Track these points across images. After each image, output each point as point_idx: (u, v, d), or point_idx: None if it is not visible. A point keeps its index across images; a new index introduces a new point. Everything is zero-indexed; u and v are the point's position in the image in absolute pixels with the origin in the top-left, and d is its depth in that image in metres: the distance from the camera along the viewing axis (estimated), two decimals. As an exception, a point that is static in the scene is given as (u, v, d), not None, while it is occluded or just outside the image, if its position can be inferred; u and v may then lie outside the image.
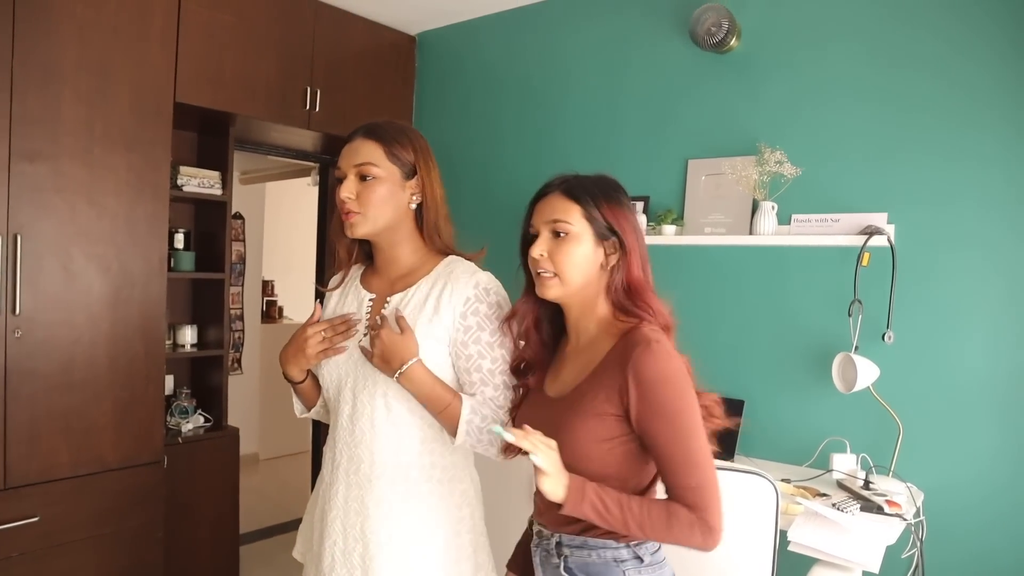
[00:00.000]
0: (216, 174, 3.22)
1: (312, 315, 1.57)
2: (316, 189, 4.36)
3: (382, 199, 1.46)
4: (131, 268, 2.75)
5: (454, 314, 1.45)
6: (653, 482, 1.34)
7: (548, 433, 1.25)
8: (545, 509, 1.36)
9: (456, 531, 1.51)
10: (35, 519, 2.49)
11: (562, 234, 1.30)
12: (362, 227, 1.47)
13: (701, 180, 2.79)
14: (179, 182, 3.08)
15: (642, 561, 1.30)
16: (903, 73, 2.39)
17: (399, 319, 1.44)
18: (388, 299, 1.52)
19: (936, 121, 2.34)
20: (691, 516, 1.20)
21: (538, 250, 1.31)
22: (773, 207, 2.54)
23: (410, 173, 1.49)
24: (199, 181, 3.17)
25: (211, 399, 3.34)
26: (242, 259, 5.16)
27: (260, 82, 3.15)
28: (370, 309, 1.54)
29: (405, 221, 1.51)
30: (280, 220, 5.70)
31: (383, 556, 1.45)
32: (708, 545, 1.21)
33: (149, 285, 2.81)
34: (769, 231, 2.54)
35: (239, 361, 5.22)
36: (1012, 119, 2.22)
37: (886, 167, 2.42)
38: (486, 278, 1.50)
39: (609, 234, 1.31)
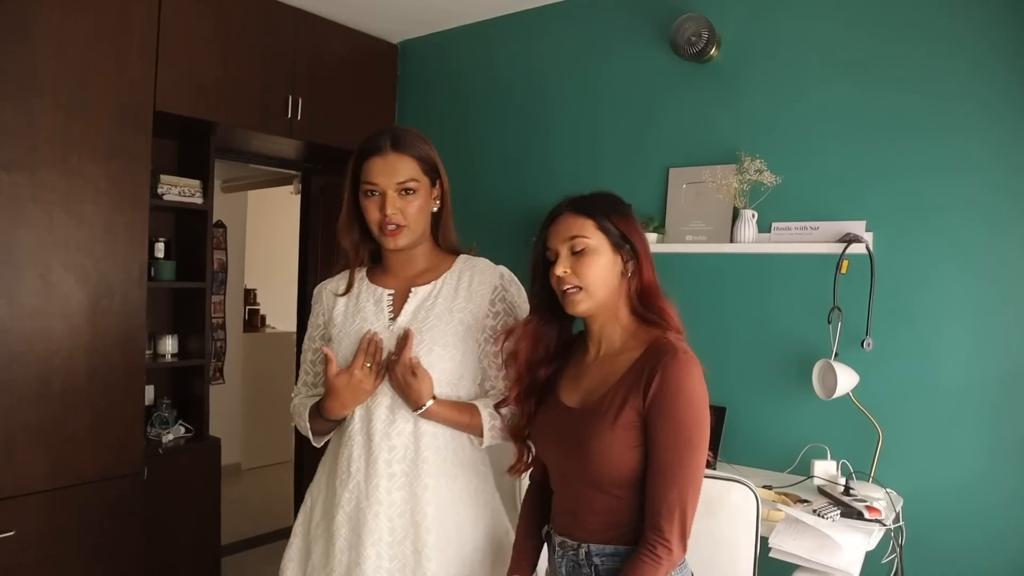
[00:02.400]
0: (197, 183, 3.20)
1: (330, 363, 1.50)
2: (299, 197, 4.34)
3: (420, 210, 1.53)
4: (110, 278, 2.73)
5: (483, 301, 1.56)
6: None
7: (574, 444, 1.32)
8: (572, 522, 1.38)
9: (494, 508, 1.62)
10: (10, 533, 2.45)
11: (580, 249, 1.34)
12: (405, 239, 1.53)
13: (682, 188, 2.81)
14: (159, 191, 3.06)
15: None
16: (881, 83, 2.42)
17: (415, 365, 1.45)
18: (412, 290, 1.56)
19: (913, 130, 2.36)
20: (644, 550, 1.24)
21: (561, 268, 1.34)
22: (753, 215, 2.56)
23: (434, 180, 1.57)
24: (180, 190, 3.14)
25: (192, 409, 3.31)
26: (224, 268, 5.13)
27: (241, 90, 3.13)
28: (392, 304, 1.57)
29: (428, 224, 1.59)
30: (262, 228, 5.67)
31: (434, 540, 1.48)
32: (669, 566, 1.25)
33: (129, 295, 2.79)
34: (749, 239, 2.56)
35: (221, 371, 5.18)
36: (988, 128, 2.25)
37: (864, 175, 2.44)
38: (506, 269, 1.63)
39: (623, 242, 1.36)
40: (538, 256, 1.42)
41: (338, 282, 1.67)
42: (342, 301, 1.63)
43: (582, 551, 1.35)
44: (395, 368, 1.47)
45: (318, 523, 1.59)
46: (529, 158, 3.33)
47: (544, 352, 1.45)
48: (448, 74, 3.68)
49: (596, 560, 1.33)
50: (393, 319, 1.55)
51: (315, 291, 1.73)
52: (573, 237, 1.34)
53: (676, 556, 1.25)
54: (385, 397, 1.51)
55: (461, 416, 1.51)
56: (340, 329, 1.59)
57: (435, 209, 1.58)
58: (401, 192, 1.50)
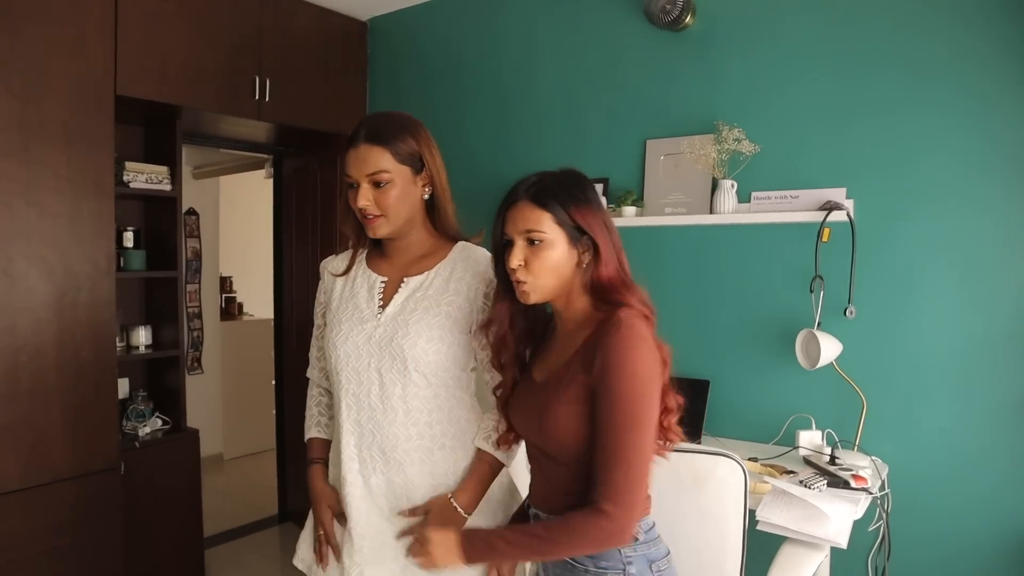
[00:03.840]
0: (164, 169, 3.12)
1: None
2: (271, 181, 4.26)
3: (399, 200, 1.50)
4: (76, 269, 2.65)
5: (476, 294, 1.53)
6: None
7: (534, 417, 1.35)
8: (542, 496, 1.42)
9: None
10: (-14, 534, 2.40)
11: (537, 242, 1.31)
12: (384, 228, 1.52)
13: (660, 160, 2.77)
14: (125, 178, 2.97)
15: (636, 539, 1.33)
16: (859, 48, 2.39)
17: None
18: (404, 280, 1.56)
19: (892, 95, 2.33)
20: (588, 517, 1.22)
21: (515, 260, 1.32)
22: (733, 185, 2.53)
23: (419, 167, 1.53)
24: (147, 176, 3.06)
25: (169, 401, 3.25)
26: (198, 256, 5.04)
27: (206, 72, 3.04)
28: (383, 291, 1.57)
29: (419, 212, 1.56)
30: (236, 215, 5.57)
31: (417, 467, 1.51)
32: (613, 537, 1.24)
33: (97, 286, 2.72)
34: (729, 209, 2.53)
35: (199, 360, 5.10)
36: (966, 93, 2.22)
37: (844, 142, 2.42)
38: None
39: (580, 235, 1.32)
40: (497, 240, 1.39)
41: (340, 262, 1.68)
42: (340, 282, 1.64)
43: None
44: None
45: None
46: (504, 134, 3.27)
47: (522, 331, 1.45)
48: (420, 51, 3.60)
49: None
50: (382, 308, 1.55)
51: (320, 266, 1.74)
52: (529, 231, 1.31)
53: (619, 528, 1.23)
54: (373, 384, 1.51)
55: (483, 476, 1.53)
56: (334, 314, 1.60)
57: (426, 196, 1.55)
58: (373, 183, 1.49)
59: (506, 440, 1.50)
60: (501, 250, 1.38)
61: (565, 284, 1.34)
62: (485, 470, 1.53)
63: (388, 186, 1.49)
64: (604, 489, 1.22)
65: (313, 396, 1.77)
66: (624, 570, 1.32)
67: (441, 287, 1.53)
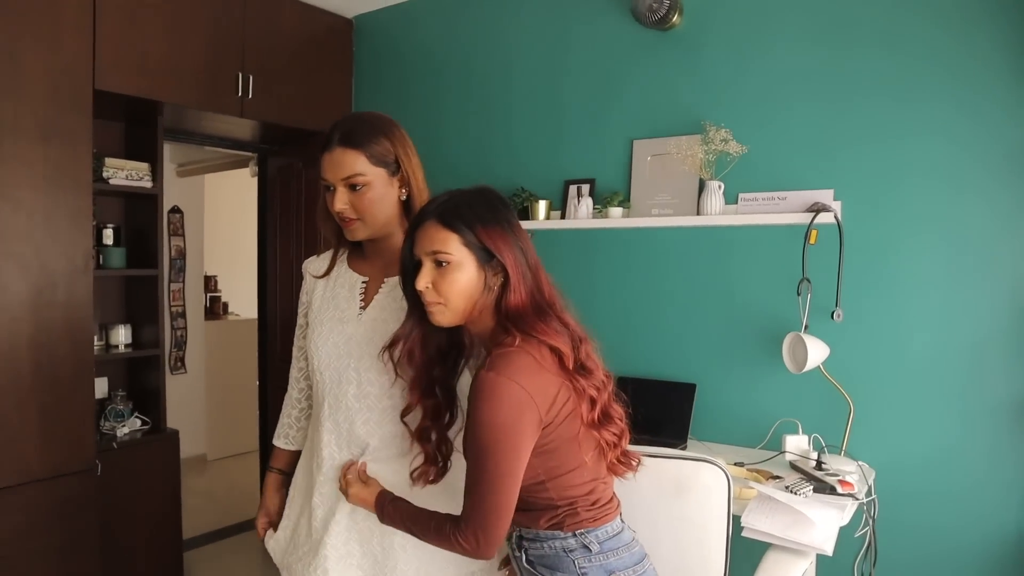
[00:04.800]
0: (145, 166, 3.07)
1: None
2: (256, 180, 4.21)
3: (375, 202, 1.50)
4: (53, 266, 2.60)
5: None
6: (557, 485, 1.33)
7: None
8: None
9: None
10: (-43, 537, 2.35)
11: (444, 263, 1.28)
12: (362, 232, 1.53)
13: (647, 161, 2.74)
14: (105, 175, 2.92)
15: (590, 551, 1.33)
16: (845, 48, 2.36)
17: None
18: (385, 280, 1.55)
19: (880, 96, 2.31)
20: (452, 526, 1.27)
21: (423, 282, 1.30)
22: (720, 186, 2.50)
23: (394, 168, 1.52)
24: (127, 173, 3.01)
25: (149, 401, 3.20)
26: (182, 254, 4.98)
27: (187, 67, 3.00)
28: (364, 291, 1.57)
29: (397, 212, 1.55)
30: (221, 213, 5.52)
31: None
32: (469, 552, 1.26)
33: (74, 284, 2.67)
34: (716, 211, 2.50)
35: (183, 360, 5.05)
36: (952, 90, 2.20)
37: (831, 143, 2.39)
38: None
39: (489, 257, 1.29)
40: (404, 258, 1.36)
41: (321, 263, 1.67)
42: (321, 283, 1.64)
43: (515, 535, 1.41)
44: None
45: (301, 501, 1.63)
46: (490, 133, 3.24)
47: (436, 351, 1.41)
48: (405, 48, 3.56)
49: (525, 543, 1.39)
50: (363, 308, 1.54)
51: (303, 266, 1.74)
52: (435, 252, 1.28)
53: (470, 548, 1.26)
54: (350, 385, 1.51)
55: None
56: (316, 315, 1.61)
57: (404, 196, 1.55)
58: (349, 187, 1.49)
59: (425, 476, 1.43)
60: (411, 271, 1.34)
61: (474, 307, 1.31)
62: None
63: (364, 189, 1.48)
64: (463, 511, 1.27)
65: (288, 402, 1.78)
66: None
67: None
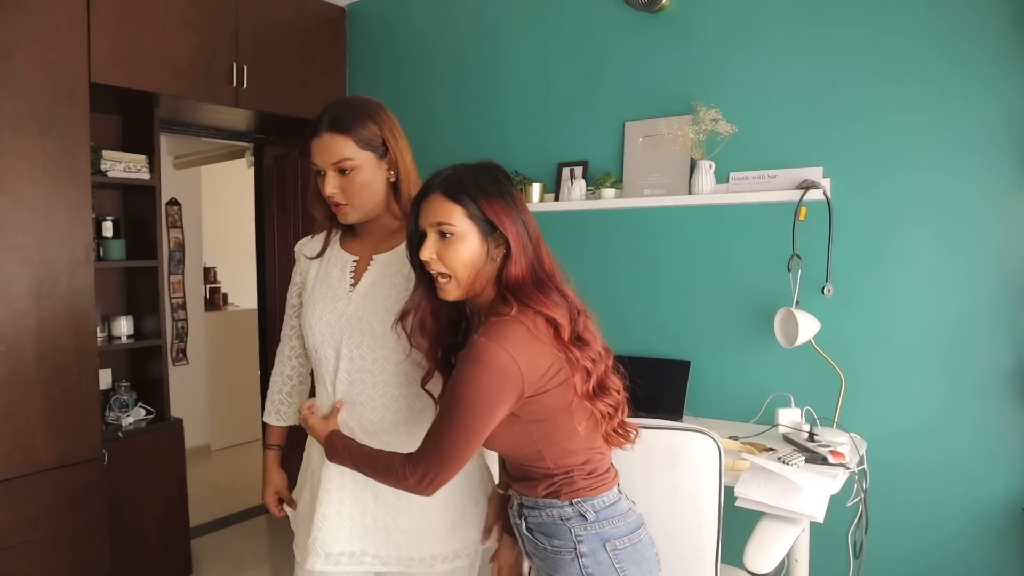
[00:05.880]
0: (143, 158, 3.09)
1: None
2: (253, 170, 4.23)
3: (364, 186, 1.53)
4: (54, 259, 2.63)
5: None
6: (552, 454, 1.37)
7: None
8: (512, 478, 1.47)
9: (469, 465, 1.61)
10: (-33, 526, 2.39)
11: (448, 235, 1.32)
12: (352, 215, 1.57)
13: (639, 142, 2.77)
14: (103, 167, 2.95)
15: (586, 519, 1.37)
16: (834, 27, 2.39)
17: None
18: (373, 258, 1.59)
19: (867, 73, 2.34)
20: (399, 460, 1.33)
21: (427, 252, 1.33)
22: (711, 166, 2.53)
23: (383, 152, 1.55)
24: (125, 165, 3.04)
25: (153, 391, 3.24)
26: (181, 246, 5.01)
27: (182, 58, 3.02)
28: (354, 270, 1.60)
29: (386, 194, 1.59)
30: (219, 204, 5.54)
31: (413, 500, 1.52)
32: (411, 487, 1.32)
33: (75, 276, 2.70)
34: (708, 190, 2.53)
35: (184, 351, 5.08)
36: (941, 69, 2.22)
37: (820, 121, 2.42)
38: None
39: (492, 229, 1.33)
40: (411, 232, 1.40)
41: (314, 244, 1.71)
42: (315, 264, 1.68)
43: (516, 503, 1.47)
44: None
45: (311, 473, 1.67)
46: (484, 117, 3.26)
47: (447, 321, 1.45)
48: (398, 36, 3.58)
49: (525, 511, 1.44)
50: (353, 286, 1.58)
51: (296, 247, 1.77)
52: (439, 223, 1.32)
53: (411, 483, 1.32)
54: (344, 360, 1.56)
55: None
56: (310, 294, 1.64)
57: (393, 179, 1.58)
58: (339, 171, 1.52)
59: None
60: (417, 243, 1.37)
61: (479, 278, 1.34)
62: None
63: (353, 173, 1.52)
64: (419, 449, 1.32)
65: (275, 381, 1.83)
66: (575, 548, 1.36)
67: (403, 263, 1.54)
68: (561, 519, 1.37)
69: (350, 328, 1.54)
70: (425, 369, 1.48)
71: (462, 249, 1.31)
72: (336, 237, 1.69)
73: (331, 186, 1.53)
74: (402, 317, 1.45)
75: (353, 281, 1.59)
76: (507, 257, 1.33)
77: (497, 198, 1.33)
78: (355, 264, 1.62)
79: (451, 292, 1.35)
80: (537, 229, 1.38)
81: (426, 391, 1.49)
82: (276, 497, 1.78)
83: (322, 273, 1.65)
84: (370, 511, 1.56)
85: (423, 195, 1.36)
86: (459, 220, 1.31)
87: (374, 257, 1.60)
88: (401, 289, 1.52)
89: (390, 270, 1.56)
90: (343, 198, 1.54)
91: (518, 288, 1.32)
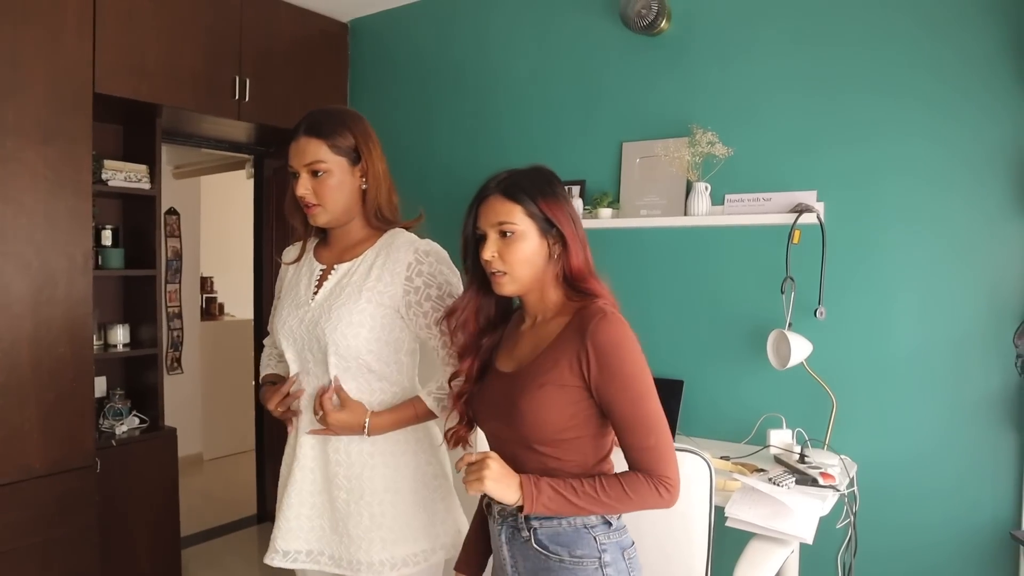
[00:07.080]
0: (144, 168, 3.12)
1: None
2: (252, 182, 4.26)
3: (335, 189, 1.59)
4: (53, 266, 2.65)
5: (398, 279, 1.59)
6: (611, 447, 1.41)
7: (506, 406, 1.36)
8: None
9: (424, 473, 1.67)
10: (-43, 531, 2.39)
11: (509, 234, 1.36)
12: (323, 217, 1.62)
13: (636, 163, 2.80)
14: (104, 176, 2.97)
15: (610, 525, 1.37)
16: (829, 53, 2.43)
17: (338, 391, 1.59)
18: (335, 267, 1.65)
19: (861, 99, 2.37)
20: (648, 478, 1.29)
21: (489, 252, 1.37)
22: (706, 188, 2.56)
23: (355, 159, 1.61)
24: (125, 175, 3.06)
25: (147, 400, 3.25)
26: (179, 256, 5.03)
27: (185, 71, 3.05)
28: (319, 278, 1.67)
29: (357, 202, 1.64)
30: (217, 215, 5.56)
31: (345, 496, 1.60)
32: (669, 502, 1.30)
33: (73, 283, 2.71)
34: (703, 212, 2.56)
35: (179, 360, 5.09)
36: (936, 92, 2.26)
37: (815, 145, 2.46)
38: (425, 243, 1.64)
39: (550, 227, 1.38)
40: (468, 234, 1.45)
41: (294, 251, 1.78)
42: (292, 269, 1.76)
43: (520, 516, 1.37)
44: (327, 415, 1.58)
45: (286, 475, 1.71)
46: (483, 135, 3.29)
47: (486, 321, 1.50)
48: (400, 52, 3.62)
49: (534, 523, 1.36)
50: (315, 294, 1.65)
51: (282, 254, 1.83)
52: (501, 223, 1.37)
53: (674, 496, 1.31)
54: (308, 363, 1.63)
55: (406, 412, 1.62)
56: (280, 299, 1.73)
57: (365, 186, 1.64)
58: (311, 173, 1.58)
59: (459, 436, 1.52)
60: (474, 245, 1.43)
61: (539, 275, 1.39)
62: (409, 412, 1.62)
63: (325, 176, 1.58)
64: (651, 455, 1.29)
65: (269, 355, 1.89)
66: (600, 558, 1.34)
67: (365, 273, 1.61)
68: (585, 527, 1.35)
69: (308, 335, 1.61)
70: (454, 368, 1.53)
71: (523, 247, 1.36)
72: (312, 245, 1.75)
73: (303, 187, 1.58)
74: (448, 315, 1.50)
75: (316, 289, 1.65)
76: (564, 253, 1.38)
77: (552, 197, 1.39)
78: (322, 272, 1.68)
79: (507, 286, 1.39)
80: (583, 229, 1.43)
81: (424, 390, 1.56)
82: (275, 392, 1.68)
83: (294, 279, 1.72)
84: (327, 513, 1.63)
85: (481, 197, 1.41)
86: (519, 219, 1.36)
87: (335, 267, 1.66)
88: (365, 301, 1.57)
89: (346, 279, 1.62)
90: (313, 199, 1.59)
91: (582, 279, 1.39)
